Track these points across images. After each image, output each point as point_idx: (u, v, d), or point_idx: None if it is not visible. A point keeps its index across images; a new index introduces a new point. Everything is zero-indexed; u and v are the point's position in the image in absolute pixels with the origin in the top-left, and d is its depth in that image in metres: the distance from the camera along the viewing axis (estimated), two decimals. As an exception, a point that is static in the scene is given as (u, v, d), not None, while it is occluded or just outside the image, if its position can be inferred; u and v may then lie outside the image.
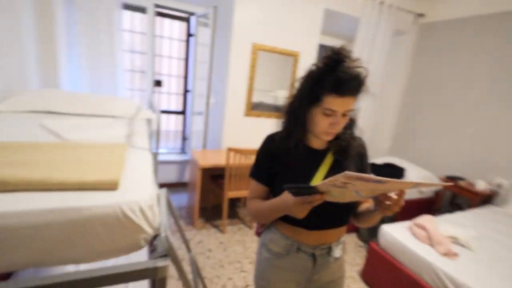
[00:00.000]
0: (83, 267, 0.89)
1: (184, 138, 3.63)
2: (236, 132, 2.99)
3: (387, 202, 0.73)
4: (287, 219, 0.89)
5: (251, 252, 2.33)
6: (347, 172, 0.56)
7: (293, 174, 0.86)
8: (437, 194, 3.12)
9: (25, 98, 1.45)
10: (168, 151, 3.61)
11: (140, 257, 0.85)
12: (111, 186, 0.63)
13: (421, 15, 3.51)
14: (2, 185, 0.56)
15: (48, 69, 2.07)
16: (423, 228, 1.83)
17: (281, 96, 3.14)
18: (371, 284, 2.05)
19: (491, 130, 2.86)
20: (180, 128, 3.68)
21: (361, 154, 0.94)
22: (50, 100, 1.50)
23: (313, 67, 0.80)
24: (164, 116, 3.62)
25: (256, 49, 2.86)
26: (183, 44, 3.39)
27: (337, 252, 0.93)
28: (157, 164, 1.01)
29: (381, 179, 0.59)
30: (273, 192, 0.91)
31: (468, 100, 3.06)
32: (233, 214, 2.95)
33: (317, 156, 0.88)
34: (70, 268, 1.29)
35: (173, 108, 3.64)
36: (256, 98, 3.03)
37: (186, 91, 3.52)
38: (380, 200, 0.74)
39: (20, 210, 0.52)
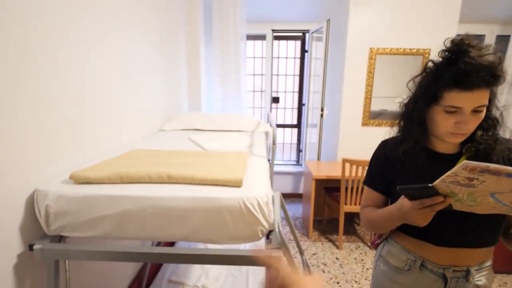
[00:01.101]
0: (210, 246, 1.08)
1: (299, 150, 3.77)
2: (352, 143, 2.85)
3: None
4: (408, 231, 0.78)
5: (371, 274, 2.12)
6: (467, 161, 0.46)
7: (412, 181, 0.75)
8: None
9: (179, 120, 1.92)
10: (284, 162, 3.82)
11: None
12: (237, 184, 0.76)
13: None
14: (168, 178, 0.78)
15: (194, 97, 2.66)
16: None
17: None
18: None
19: None
20: (295, 140, 3.85)
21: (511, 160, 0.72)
22: (195, 121, 1.92)
23: (430, 63, 0.71)
24: (280, 129, 3.87)
25: (374, 54, 2.68)
26: (298, 61, 3.58)
27: (479, 279, 0.75)
28: (272, 170, 1.12)
29: None
30: (391, 202, 0.83)
31: None
32: (351, 231, 2.77)
33: (444, 162, 0.74)
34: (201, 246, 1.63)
35: (288, 121, 3.86)
36: (377, 107, 2.82)
37: (300, 105, 3.67)
38: None
39: (177, 196, 0.71)
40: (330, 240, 2.58)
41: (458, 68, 0.63)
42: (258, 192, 0.73)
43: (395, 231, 0.83)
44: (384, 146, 0.85)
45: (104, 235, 0.73)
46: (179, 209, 0.70)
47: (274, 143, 1.14)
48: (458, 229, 0.72)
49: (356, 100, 2.81)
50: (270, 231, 0.74)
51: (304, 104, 3.59)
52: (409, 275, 0.80)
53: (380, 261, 0.89)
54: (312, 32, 3.20)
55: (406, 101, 0.79)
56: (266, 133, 1.76)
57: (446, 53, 0.67)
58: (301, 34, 3.45)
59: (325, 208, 2.90)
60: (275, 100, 3.61)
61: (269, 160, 1.32)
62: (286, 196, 3.57)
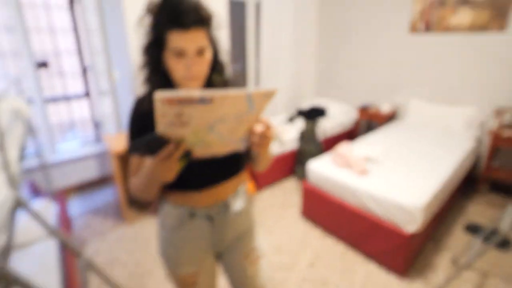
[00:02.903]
0: None
1: (96, 125, 3.19)
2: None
3: (254, 139, 0.65)
4: (174, 186, 0.80)
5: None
6: (158, 93, 0.47)
7: None
8: (356, 124, 3.49)
9: None
10: (83, 145, 3.13)
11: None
12: None
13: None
14: None
15: None
16: (341, 155, 1.99)
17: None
18: (312, 220, 2.20)
19: (392, 55, 3.15)
20: (87, 114, 3.21)
21: None
22: None
23: (151, 5, 0.69)
24: (61, 104, 3.07)
25: None
26: (67, 12, 2.79)
27: (236, 205, 0.88)
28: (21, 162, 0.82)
29: (203, 95, 0.49)
30: None
31: (370, 34, 3.27)
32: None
33: None
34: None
35: (72, 92, 3.11)
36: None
37: (84, 68, 3.00)
38: (250, 138, 0.67)
39: None
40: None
41: (172, 8, 0.65)
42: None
43: (165, 191, 0.83)
44: (137, 104, 0.78)
45: None
46: None
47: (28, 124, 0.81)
48: (210, 170, 0.80)
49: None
50: None
51: (86, 67, 2.97)
52: (182, 229, 0.83)
53: (160, 226, 0.88)
54: (70, -27, 2.52)
55: (143, 47, 0.74)
56: (16, 112, 1.28)
57: None
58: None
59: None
60: (43, 65, 2.74)
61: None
62: (93, 183, 3.00)
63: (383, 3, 3.05)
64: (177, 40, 0.66)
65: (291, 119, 3.10)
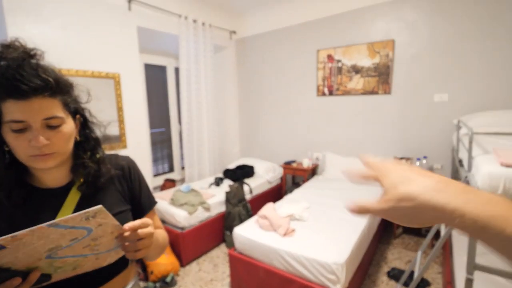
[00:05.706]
0: None
1: None
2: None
3: (125, 243, 0.55)
4: None
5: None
6: None
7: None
8: (281, 179, 3.59)
9: None
10: None
11: None
12: None
13: (233, 32, 3.93)
14: None
15: None
16: (265, 217, 1.93)
17: (110, 123, 2.71)
18: (241, 292, 1.99)
19: (306, 116, 3.51)
20: None
21: (125, 177, 0.74)
22: None
23: None
24: None
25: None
26: None
27: None
28: None
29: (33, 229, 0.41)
30: None
31: (284, 94, 3.63)
32: None
33: (52, 199, 0.63)
34: None
35: None
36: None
37: None
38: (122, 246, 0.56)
39: None
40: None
41: (8, 73, 0.52)
42: None
43: None
44: None
45: None
46: None
47: None
48: (80, 275, 0.61)
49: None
50: None
51: None
52: None
53: None
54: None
55: None
56: None
57: None
58: None
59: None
60: None
61: None
62: None
63: (293, 69, 3.49)
64: (15, 111, 0.53)
65: (217, 182, 3.01)
